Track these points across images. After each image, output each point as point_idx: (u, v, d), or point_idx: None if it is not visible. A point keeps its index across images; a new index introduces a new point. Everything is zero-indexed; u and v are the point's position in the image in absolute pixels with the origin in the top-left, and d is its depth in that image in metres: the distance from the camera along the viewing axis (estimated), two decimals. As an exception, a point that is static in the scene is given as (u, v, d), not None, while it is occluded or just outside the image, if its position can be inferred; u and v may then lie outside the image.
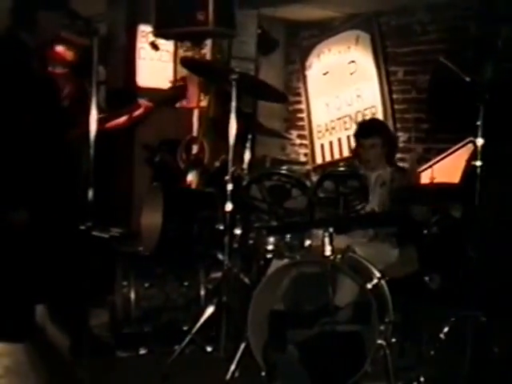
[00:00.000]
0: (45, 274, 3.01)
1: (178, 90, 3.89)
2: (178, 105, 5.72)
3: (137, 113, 3.36)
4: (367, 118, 5.81)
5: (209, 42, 5.54)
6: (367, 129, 4.20)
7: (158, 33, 5.17)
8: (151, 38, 5.32)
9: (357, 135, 4.19)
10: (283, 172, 3.57)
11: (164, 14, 5.04)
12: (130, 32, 5.76)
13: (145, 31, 5.58)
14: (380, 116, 5.78)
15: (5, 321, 2.97)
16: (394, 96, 5.77)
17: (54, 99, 3.16)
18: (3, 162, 2.90)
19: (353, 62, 6.05)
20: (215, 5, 4.78)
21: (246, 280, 3.73)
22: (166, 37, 5.32)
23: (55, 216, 3.04)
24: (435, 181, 3.49)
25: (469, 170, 4.30)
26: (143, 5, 5.48)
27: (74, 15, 3.11)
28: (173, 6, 4.97)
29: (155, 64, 5.69)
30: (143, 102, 3.49)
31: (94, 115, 3.07)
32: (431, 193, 3.52)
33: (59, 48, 3.48)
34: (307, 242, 3.53)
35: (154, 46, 5.35)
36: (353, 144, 4.47)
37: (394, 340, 3.22)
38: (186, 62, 4.44)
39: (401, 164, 5.34)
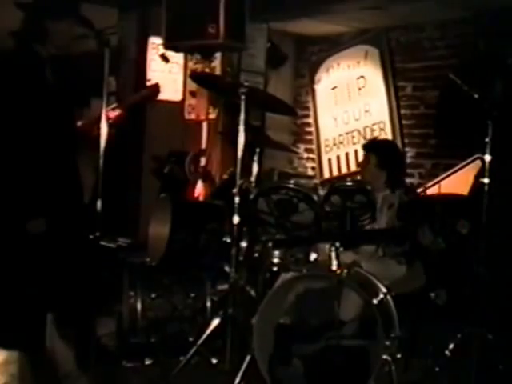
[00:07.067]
0: (55, 283, 3.02)
1: (151, 88, 3.91)
2: (187, 117, 5.77)
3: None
4: (376, 133, 5.84)
5: (218, 55, 5.57)
6: (366, 143, 4.33)
7: (169, 45, 5.20)
8: (161, 50, 5.36)
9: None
10: (291, 186, 3.57)
11: (175, 26, 5.07)
12: (140, 44, 5.82)
13: (155, 43, 5.62)
14: (388, 131, 5.79)
15: (17, 329, 2.98)
16: (403, 111, 5.77)
17: (69, 111, 3.19)
18: (22, 171, 2.93)
19: (362, 77, 6.06)
20: (226, 18, 4.82)
21: (252, 292, 3.75)
22: (176, 49, 5.35)
23: (67, 225, 3.06)
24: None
25: (477, 186, 4.30)
26: (154, 17, 5.53)
27: (85, 22, 3.11)
28: (183, 19, 4.99)
29: (165, 76, 5.72)
30: (110, 113, 3.48)
31: (104, 126, 3.11)
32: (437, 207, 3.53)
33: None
34: (313, 256, 3.53)
35: (164, 58, 5.38)
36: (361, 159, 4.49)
37: (399, 355, 3.21)
38: (195, 76, 4.46)
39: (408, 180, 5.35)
